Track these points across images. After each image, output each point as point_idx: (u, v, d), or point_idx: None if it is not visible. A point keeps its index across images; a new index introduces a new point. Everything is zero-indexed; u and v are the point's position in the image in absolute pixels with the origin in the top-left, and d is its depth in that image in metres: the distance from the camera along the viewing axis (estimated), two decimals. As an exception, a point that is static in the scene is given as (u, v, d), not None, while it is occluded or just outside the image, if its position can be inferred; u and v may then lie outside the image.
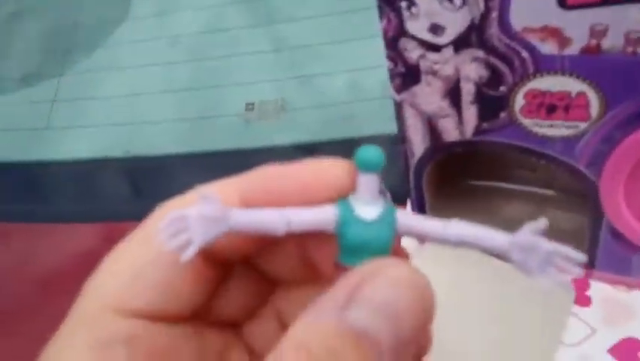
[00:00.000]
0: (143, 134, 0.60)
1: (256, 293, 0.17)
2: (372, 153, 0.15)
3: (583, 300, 0.37)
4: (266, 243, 0.16)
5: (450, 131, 0.33)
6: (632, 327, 0.35)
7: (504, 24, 0.27)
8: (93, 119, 0.63)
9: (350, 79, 0.59)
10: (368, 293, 0.13)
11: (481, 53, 0.28)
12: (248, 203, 0.15)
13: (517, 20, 0.26)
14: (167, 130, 0.59)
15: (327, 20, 0.67)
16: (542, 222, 0.14)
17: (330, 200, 0.15)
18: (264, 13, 0.71)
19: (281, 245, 0.16)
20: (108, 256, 0.15)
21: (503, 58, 0.28)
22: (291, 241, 0.15)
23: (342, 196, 0.15)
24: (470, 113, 0.31)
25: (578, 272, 0.13)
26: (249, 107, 0.58)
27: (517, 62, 0.28)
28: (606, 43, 0.26)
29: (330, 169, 0.15)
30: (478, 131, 0.32)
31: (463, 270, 0.37)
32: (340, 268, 0.15)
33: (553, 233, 0.42)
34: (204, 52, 0.68)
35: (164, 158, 0.56)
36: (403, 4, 0.28)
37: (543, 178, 0.44)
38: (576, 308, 0.37)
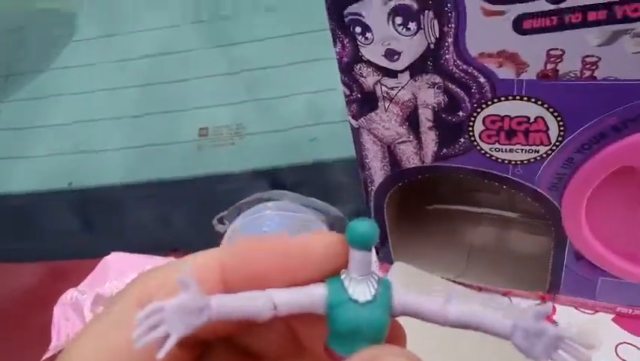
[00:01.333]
0: (89, 164, 0.57)
1: None
2: (364, 229, 0.14)
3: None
4: (248, 323, 0.15)
5: (410, 157, 0.32)
6: (597, 350, 0.35)
7: (460, 49, 0.26)
8: (35, 149, 0.60)
9: (309, 101, 0.58)
10: None
11: (438, 79, 0.28)
12: (230, 284, 0.14)
13: (473, 45, 0.26)
14: (114, 159, 0.56)
15: (284, 41, 0.65)
16: (547, 307, 0.13)
17: (320, 279, 0.14)
18: (218, 34, 0.69)
19: (265, 323, 0.15)
20: (76, 337, 0.14)
21: (460, 83, 0.27)
22: (276, 319, 0.14)
23: (332, 274, 0.14)
24: (430, 139, 0.30)
25: (587, 356, 0.13)
26: (202, 132, 0.56)
27: (474, 88, 0.27)
28: (563, 67, 0.25)
29: (319, 247, 0.14)
30: (438, 156, 0.31)
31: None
32: (332, 355, 0.14)
33: (517, 256, 0.41)
34: (155, 75, 0.65)
35: (112, 188, 0.53)
36: (358, 30, 0.27)
37: (506, 201, 0.43)
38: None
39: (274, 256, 0.15)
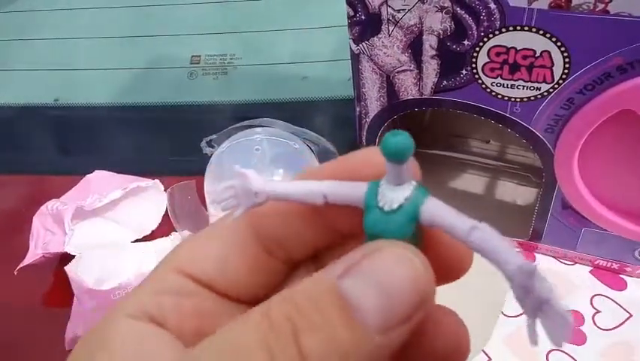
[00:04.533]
0: (76, 82, 0.55)
1: None
2: (398, 143, 0.13)
3: (527, 272, 0.37)
4: (334, 241, 0.16)
5: (408, 88, 0.31)
6: (573, 300, 0.36)
7: (474, -30, 0.25)
8: (21, 63, 0.58)
9: (300, 39, 0.56)
10: (365, 267, 0.13)
11: (447, 2, 0.27)
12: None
13: (488, -33, 0.25)
14: (103, 79, 0.55)
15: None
16: (534, 267, 0.13)
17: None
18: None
19: (348, 243, 0.16)
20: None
21: (469, 9, 0.27)
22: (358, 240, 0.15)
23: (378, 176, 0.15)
24: (431, 69, 0.30)
25: (566, 336, 0.12)
26: (195, 59, 0.54)
27: (484, 14, 0.26)
28: (577, -2, 0.24)
29: (376, 154, 0.15)
30: (437, 88, 0.31)
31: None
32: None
33: (503, 205, 0.41)
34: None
35: (98, 108, 0.52)
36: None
37: (496, 151, 0.43)
38: (520, 280, 0.37)
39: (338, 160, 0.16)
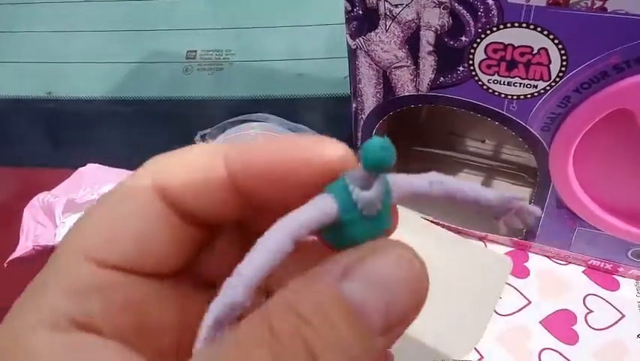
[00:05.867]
0: (70, 75, 0.54)
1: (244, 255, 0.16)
2: (384, 157, 0.13)
3: (521, 271, 0.37)
4: (254, 207, 0.15)
5: (405, 84, 0.31)
6: (566, 299, 0.36)
7: (472, -35, 0.25)
8: (15, 54, 0.57)
9: (295, 36, 0.56)
10: (366, 269, 0.13)
11: (445, -2, 0.27)
12: (233, 172, 0.15)
13: (487, -37, 0.25)
14: (98, 73, 0.54)
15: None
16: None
17: (319, 171, 0.14)
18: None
19: (271, 209, 0.15)
20: (86, 210, 0.15)
21: (467, 5, 0.26)
22: (283, 206, 0.14)
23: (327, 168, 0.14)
24: (428, 65, 0.30)
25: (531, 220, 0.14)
26: (190, 54, 0.54)
27: (481, 10, 0.26)
28: (575, -5, 0.24)
29: (330, 147, 0.15)
30: (434, 85, 0.30)
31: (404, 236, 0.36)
32: (330, 248, 0.14)
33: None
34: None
35: (92, 102, 0.51)
36: None
37: (491, 150, 0.43)
38: (513, 279, 0.37)
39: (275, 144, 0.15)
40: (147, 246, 0.14)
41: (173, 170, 0.15)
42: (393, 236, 0.15)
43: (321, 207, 0.13)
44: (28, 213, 0.39)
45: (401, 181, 0.14)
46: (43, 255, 0.38)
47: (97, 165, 0.43)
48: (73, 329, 0.13)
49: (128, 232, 0.14)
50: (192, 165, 0.15)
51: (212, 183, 0.14)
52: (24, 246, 0.37)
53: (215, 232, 0.16)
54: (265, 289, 0.16)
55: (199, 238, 0.15)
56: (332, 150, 0.14)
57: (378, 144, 0.13)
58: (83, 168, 0.43)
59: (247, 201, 0.15)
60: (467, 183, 0.14)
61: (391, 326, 0.13)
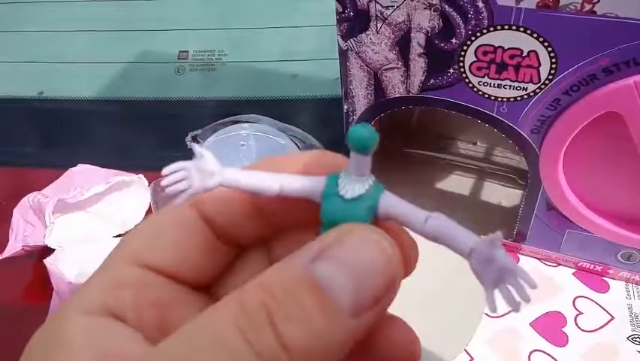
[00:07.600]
0: (62, 75, 0.54)
1: None
2: (364, 133, 0.14)
3: (511, 273, 0.37)
4: (282, 228, 0.17)
5: (395, 86, 0.31)
6: (556, 301, 0.36)
7: (463, -32, 0.25)
8: (6, 54, 0.57)
9: (287, 37, 0.56)
10: (336, 251, 0.13)
11: (435, 0, 0.27)
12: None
13: (477, -34, 0.25)
14: (89, 73, 0.54)
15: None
16: (498, 235, 0.14)
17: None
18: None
19: (298, 231, 0.17)
20: (140, 223, 0.17)
21: (457, 7, 0.27)
22: (310, 228, 0.15)
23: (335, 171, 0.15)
24: (418, 67, 0.30)
25: (527, 299, 0.13)
26: (182, 55, 0.54)
27: (471, 13, 0.26)
28: (564, -2, 0.24)
29: (328, 155, 0.16)
30: (424, 87, 0.30)
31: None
32: None
33: (487, 206, 0.41)
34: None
35: (83, 102, 0.51)
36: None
37: (482, 153, 0.43)
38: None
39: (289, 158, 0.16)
40: (184, 253, 0.16)
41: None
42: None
43: (311, 180, 0.15)
44: (17, 213, 0.38)
45: (396, 202, 0.15)
46: (32, 255, 0.38)
47: (87, 165, 0.43)
48: (105, 315, 0.14)
49: (170, 239, 0.16)
50: None
51: (237, 199, 0.16)
52: (13, 246, 0.37)
53: (240, 255, 0.17)
54: None
55: (227, 254, 0.17)
56: (329, 158, 0.16)
57: (360, 125, 0.14)
58: (74, 168, 0.43)
59: (269, 220, 0.16)
60: (463, 235, 0.14)
61: (362, 306, 0.13)
